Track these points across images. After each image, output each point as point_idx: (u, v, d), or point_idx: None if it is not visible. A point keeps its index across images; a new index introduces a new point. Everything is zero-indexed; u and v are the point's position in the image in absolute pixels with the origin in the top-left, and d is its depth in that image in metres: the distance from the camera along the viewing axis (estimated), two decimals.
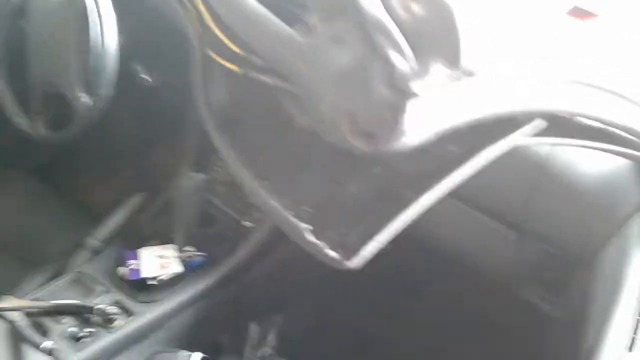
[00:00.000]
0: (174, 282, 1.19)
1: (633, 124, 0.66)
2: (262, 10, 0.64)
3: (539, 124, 0.61)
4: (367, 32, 0.53)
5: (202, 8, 0.79)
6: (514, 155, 0.81)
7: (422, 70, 0.52)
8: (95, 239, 1.24)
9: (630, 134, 0.68)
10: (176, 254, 1.22)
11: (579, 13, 1.28)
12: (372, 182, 0.65)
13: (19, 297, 1.10)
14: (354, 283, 1.20)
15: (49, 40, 1.28)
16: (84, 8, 1.16)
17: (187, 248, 1.24)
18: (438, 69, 0.52)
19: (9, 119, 1.34)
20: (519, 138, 0.60)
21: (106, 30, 1.15)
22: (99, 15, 1.15)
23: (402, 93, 0.51)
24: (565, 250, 0.93)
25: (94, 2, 1.15)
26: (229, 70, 0.75)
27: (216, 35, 0.76)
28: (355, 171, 0.66)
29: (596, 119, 0.65)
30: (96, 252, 1.23)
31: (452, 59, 0.52)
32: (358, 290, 1.27)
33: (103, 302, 1.09)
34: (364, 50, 0.54)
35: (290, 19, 0.62)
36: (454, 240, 1.09)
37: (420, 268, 1.33)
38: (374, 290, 1.32)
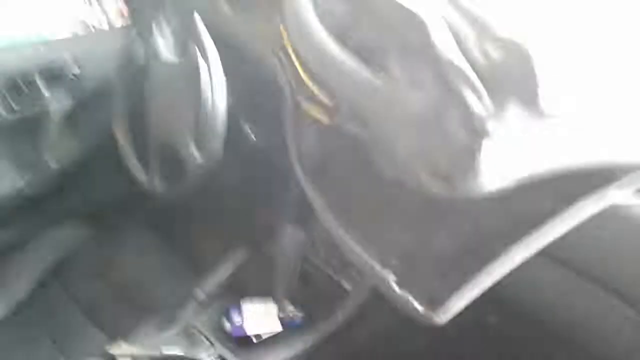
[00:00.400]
0: (275, 341, 1.21)
1: None
2: (343, 54, 0.65)
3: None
4: (445, 76, 0.54)
5: (296, 62, 0.82)
6: (632, 219, 0.77)
7: (499, 110, 0.52)
8: (203, 292, 1.28)
9: None
10: (276, 311, 1.25)
11: None
12: (460, 235, 0.65)
13: (131, 344, 1.16)
14: (451, 348, 1.17)
15: (167, 99, 1.37)
16: (197, 69, 1.25)
17: (288, 307, 1.27)
18: (515, 110, 0.52)
19: (129, 173, 1.44)
20: (618, 192, 0.58)
21: (216, 91, 1.22)
22: (210, 76, 1.22)
23: (478, 133, 0.52)
24: None
25: (205, 64, 1.23)
26: (319, 121, 0.76)
27: (307, 86, 0.78)
28: (442, 223, 0.66)
29: None
30: (204, 305, 1.27)
31: (530, 100, 0.52)
32: (454, 354, 1.23)
33: (209, 357, 1.13)
34: (442, 94, 0.55)
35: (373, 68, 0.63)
36: (565, 316, 1.04)
37: (526, 341, 1.27)
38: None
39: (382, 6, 0.66)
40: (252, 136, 1.39)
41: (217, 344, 1.17)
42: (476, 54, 0.55)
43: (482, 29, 0.58)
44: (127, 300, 1.40)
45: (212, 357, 1.13)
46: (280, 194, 1.51)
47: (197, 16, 1.23)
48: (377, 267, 0.65)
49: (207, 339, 1.18)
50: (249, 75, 1.34)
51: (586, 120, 0.57)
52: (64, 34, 1.60)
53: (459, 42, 0.56)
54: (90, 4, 1.67)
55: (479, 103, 0.53)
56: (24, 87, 1.43)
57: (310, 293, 1.34)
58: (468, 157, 0.53)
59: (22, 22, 1.56)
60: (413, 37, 0.61)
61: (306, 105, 0.81)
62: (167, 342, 1.17)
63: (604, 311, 0.97)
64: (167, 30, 1.38)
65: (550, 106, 0.53)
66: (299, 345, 1.21)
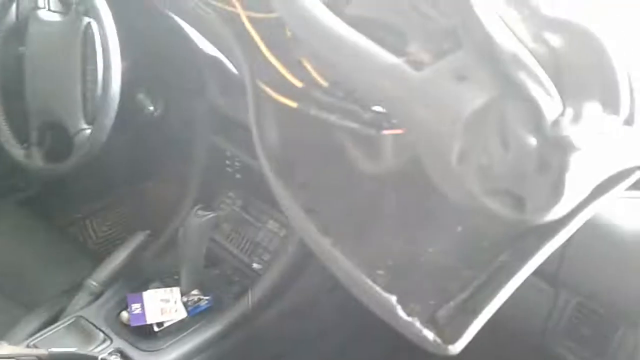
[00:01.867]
0: (179, 328, 1.12)
1: None
2: (356, 35, 0.52)
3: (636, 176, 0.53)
4: (499, 66, 0.45)
5: (253, 33, 0.72)
6: None
7: (577, 116, 0.43)
8: (95, 280, 1.16)
9: None
10: (181, 297, 1.16)
11: None
12: (456, 243, 0.56)
13: (13, 344, 1.02)
14: (369, 329, 1.14)
15: (49, 66, 1.24)
16: (87, 32, 1.13)
17: (193, 292, 1.18)
18: (595, 115, 0.43)
19: (3, 149, 1.28)
20: (617, 192, 0.52)
21: (108, 54, 1.11)
22: (100, 36, 1.11)
23: (563, 146, 0.42)
24: (607, 306, 0.88)
25: (97, 26, 1.11)
26: (283, 107, 0.67)
27: (270, 69, 0.68)
28: (434, 228, 0.56)
29: None
30: (97, 295, 1.16)
31: (612, 102, 0.44)
32: (373, 336, 1.20)
33: (105, 351, 1.03)
34: (498, 88, 0.45)
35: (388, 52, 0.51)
36: None
37: None
38: (391, 337, 1.26)
39: None
40: (148, 105, 1.27)
41: (114, 337, 1.07)
42: (530, 41, 0.46)
43: (531, 10, 0.48)
44: (4, 294, 1.25)
45: (109, 352, 1.02)
46: (181, 169, 1.42)
47: None
48: (376, 287, 0.53)
49: (102, 332, 1.08)
50: (149, 33, 1.22)
51: None
52: None
53: (508, 26, 0.47)
54: None
55: (550, 101, 0.43)
56: None
57: (217, 276, 1.27)
58: (548, 175, 0.42)
59: None
60: (446, 17, 0.51)
61: (269, 90, 0.70)
62: (55, 339, 1.06)
63: (523, 286, 0.97)
64: None
65: (634, 110, 0.45)
66: (206, 331, 1.14)
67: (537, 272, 0.93)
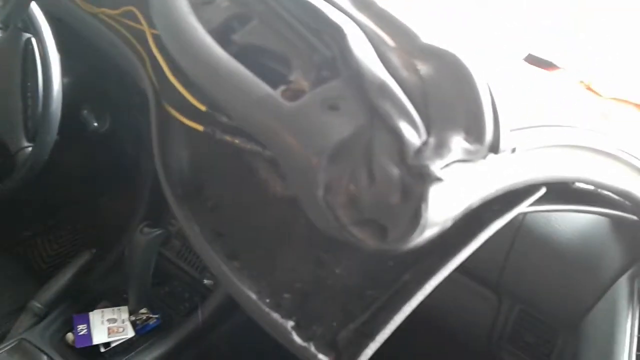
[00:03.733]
0: (127, 348, 1.10)
1: (626, 186, 0.65)
2: (235, 65, 0.52)
3: (541, 192, 0.57)
4: (368, 96, 0.45)
5: (160, 58, 0.71)
6: None
7: (440, 145, 0.43)
8: (38, 302, 1.13)
9: (622, 196, 0.66)
10: (129, 316, 1.13)
11: (537, 62, 1.30)
12: (362, 264, 0.55)
13: None
14: None
15: None
16: (27, 48, 1.10)
17: (141, 310, 1.15)
18: (458, 144, 0.43)
19: None
20: (523, 208, 0.55)
21: (49, 70, 1.08)
22: (43, 56, 1.08)
23: (422, 176, 0.42)
24: (547, 313, 0.90)
25: (37, 42, 1.09)
26: (191, 130, 0.65)
27: (176, 90, 0.66)
28: (341, 250, 0.56)
29: (592, 183, 0.63)
30: (41, 317, 1.12)
31: (475, 130, 0.44)
32: None
33: None
34: (365, 118, 0.45)
35: (270, 79, 0.52)
36: (430, 300, 1.05)
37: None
38: None
39: (289, 7, 0.55)
40: (93, 122, 1.25)
41: (58, 359, 1.04)
42: (403, 71, 0.46)
43: (406, 38, 0.49)
44: None
45: None
46: (130, 185, 1.39)
47: None
48: (271, 311, 0.53)
49: (46, 354, 1.05)
50: (91, 48, 1.20)
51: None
52: None
53: (380, 55, 0.47)
54: None
55: (413, 133, 0.43)
56: None
57: (167, 293, 1.24)
58: (407, 205, 0.42)
59: None
60: (327, 48, 0.51)
61: (175, 112, 0.69)
62: None
63: (468, 295, 0.99)
64: None
65: (498, 138, 0.44)
66: (155, 350, 1.11)
67: (480, 280, 0.97)
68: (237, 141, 0.61)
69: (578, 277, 0.85)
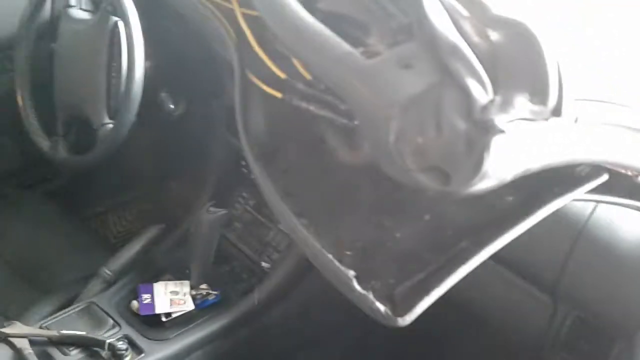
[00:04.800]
0: (186, 320, 1.15)
1: None
2: (320, 26, 0.58)
3: (602, 179, 0.57)
4: (440, 57, 0.49)
5: (245, 28, 0.77)
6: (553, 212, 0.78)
7: (505, 103, 0.47)
8: (109, 270, 1.20)
9: None
10: (190, 290, 1.19)
11: None
12: (422, 230, 0.60)
13: (27, 324, 1.06)
14: (375, 333, 1.15)
15: (77, 62, 1.28)
16: (114, 31, 1.17)
17: (202, 286, 1.21)
18: (523, 104, 0.47)
19: (29, 139, 1.33)
20: (583, 192, 0.56)
21: (133, 52, 1.14)
22: (126, 35, 1.14)
23: (486, 129, 0.46)
24: (604, 320, 0.88)
25: (124, 26, 1.15)
26: (270, 96, 0.71)
27: (259, 58, 0.73)
28: (403, 216, 0.60)
29: None
30: (110, 283, 1.19)
31: (540, 93, 0.47)
32: (379, 340, 1.21)
33: (113, 336, 1.06)
34: (437, 76, 0.49)
35: (350, 42, 0.56)
36: (483, 300, 1.05)
37: (446, 324, 1.28)
38: (396, 341, 1.27)
39: None
40: (169, 105, 1.31)
41: (123, 324, 1.10)
42: (474, 37, 0.50)
43: (479, 8, 0.52)
44: (23, 277, 1.29)
45: (117, 337, 1.05)
46: (198, 168, 1.45)
47: None
48: (335, 261, 0.58)
49: (112, 318, 1.11)
50: (173, 36, 1.26)
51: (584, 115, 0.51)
52: None
53: (454, 22, 0.51)
54: None
55: (481, 91, 0.47)
56: None
57: (226, 272, 1.29)
58: (473, 154, 0.46)
59: None
60: (403, 14, 0.56)
61: (257, 80, 0.74)
62: (67, 322, 1.09)
63: (523, 297, 0.98)
64: None
65: (561, 102, 0.48)
66: (212, 326, 1.16)
67: (536, 284, 0.95)
68: (311, 108, 0.66)
69: (638, 284, 0.83)
